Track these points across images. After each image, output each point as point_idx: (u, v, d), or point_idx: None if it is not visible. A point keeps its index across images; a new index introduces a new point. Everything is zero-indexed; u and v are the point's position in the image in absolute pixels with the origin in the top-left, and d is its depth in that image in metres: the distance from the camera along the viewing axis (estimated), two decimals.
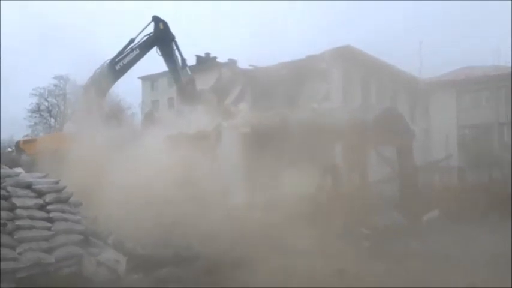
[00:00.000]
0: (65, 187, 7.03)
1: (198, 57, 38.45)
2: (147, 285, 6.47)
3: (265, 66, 20.59)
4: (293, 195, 10.85)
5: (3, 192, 6.18)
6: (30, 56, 50.20)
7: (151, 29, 16.45)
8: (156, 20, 16.43)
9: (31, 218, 6.25)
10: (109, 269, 6.61)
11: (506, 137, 24.78)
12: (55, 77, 38.75)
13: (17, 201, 6.20)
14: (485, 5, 60.44)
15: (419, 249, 8.40)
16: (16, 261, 5.78)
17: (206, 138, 13.40)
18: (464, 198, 12.42)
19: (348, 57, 20.24)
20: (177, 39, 16.55)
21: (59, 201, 6.78)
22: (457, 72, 28.57)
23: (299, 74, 18.76)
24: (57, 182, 7.06)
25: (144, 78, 40.00)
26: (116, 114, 17.09)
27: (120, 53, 16.38)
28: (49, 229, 6.35)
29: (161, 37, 16.38)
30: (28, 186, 6.65)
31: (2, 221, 5.84)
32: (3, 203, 6.07)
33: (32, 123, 40.65)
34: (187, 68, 17.34)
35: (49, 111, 41.31)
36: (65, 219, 6.66)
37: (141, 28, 16.38)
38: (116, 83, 16.96)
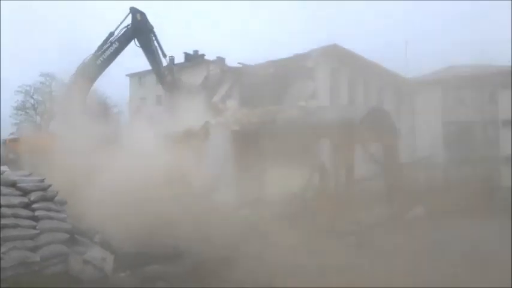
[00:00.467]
0: (50, 185, 6.98)
1: (186, 55, 38.27)
2: (134, 283, 6.48)
3: (253, 64, 20.60)
4: (281, 193, 10.95)
5: None
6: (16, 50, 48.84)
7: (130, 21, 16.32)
8: (134, 11, 16.28)
9: (16, 216, 6.21)
10: (96, 267, 6.59)
11: (490, 135, 25.32)
12: (41, 75, 38.15)
13: (1, 200, 6.14)
14: (473, 4, 61.21)
15: (404, 244, 8.56)
16: (0, 260, 5.72)
17: (194, 136, 13.38)
18: (448, 194, 12.68)
19: (335, 56, 20.36)
20: (169, 37, 16.57)
21: (44, 199, 6.74)
22: (442, 71, 29.01)
23: (286, 72, 18.81)
24: (42, 181, 7.01)
25: (131, 76, 39.67)
26: (102, 111, 16.92)
27: (100, 47, 16.18)
28: (34, 228, 6.32)
29: (139, 28, 16.27)
30: (13, 184, 6.59)
31: None
32: None
33: (18, 121, 40.00)
34: (167, 58, 17.20)
35: (35, 109, 40.67)
36: (51, 218, 6.63)
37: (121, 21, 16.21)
38: (104, 80, 16.82)
